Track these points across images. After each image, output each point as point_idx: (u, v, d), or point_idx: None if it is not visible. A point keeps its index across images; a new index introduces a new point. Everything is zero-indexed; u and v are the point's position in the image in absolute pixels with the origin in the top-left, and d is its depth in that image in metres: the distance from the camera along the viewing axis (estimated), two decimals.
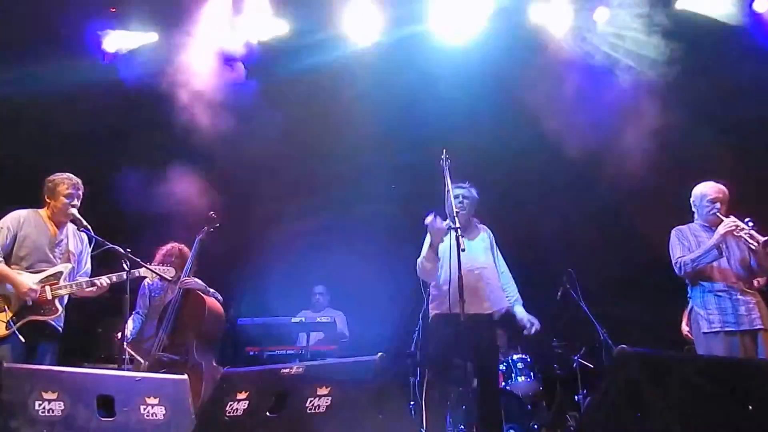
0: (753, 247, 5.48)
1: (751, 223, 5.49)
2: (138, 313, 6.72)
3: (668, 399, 3.03)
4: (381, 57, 8.41)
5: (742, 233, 5.48)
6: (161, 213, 7.44)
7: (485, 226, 6.12)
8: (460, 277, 5.05)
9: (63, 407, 3.88)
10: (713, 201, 5.71)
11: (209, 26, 8.06)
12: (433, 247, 5.60)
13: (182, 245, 6.83)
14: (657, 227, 7.62)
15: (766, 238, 5.39)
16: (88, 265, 5.82)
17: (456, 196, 5.80)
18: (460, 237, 5.15)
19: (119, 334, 6.22)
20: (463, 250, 5.11)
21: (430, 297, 5.88)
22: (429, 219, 5.51)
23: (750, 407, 2.89)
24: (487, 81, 8.36)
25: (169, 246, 6.79)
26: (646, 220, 8.15)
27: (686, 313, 6.93)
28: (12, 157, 7.88)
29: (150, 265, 5.93)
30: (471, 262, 5.58)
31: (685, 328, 7.07)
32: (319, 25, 8.28)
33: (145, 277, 6.03)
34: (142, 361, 6.35)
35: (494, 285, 5.81)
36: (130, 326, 6.53)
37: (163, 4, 8.23)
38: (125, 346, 5.89)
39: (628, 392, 3.12)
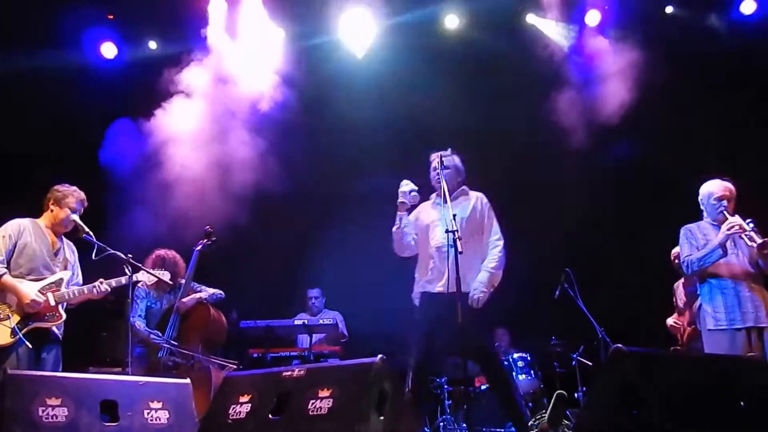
0: (752, 247, 5.49)
1: (752, 224, 5.49)
2: (140, 315, 6.72)
3: (663, 397, 3.07)
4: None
5: (743, 235, 5.47)
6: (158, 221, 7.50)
7: (477, 194, 6.06)
8: (458, 285, 5.15)
9: (67, 413, 3.89)
10: (720, 199, 5.70)
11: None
12: (399, 213, 5.82)
13: (173, 252, 6.79)
14: (655, 225, 7.71)
15: (762, 240, 5.40)
16: (80, 275, 5.85)
17: (434, 168, 5.93)
18: (458, 240, 5.19)
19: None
20: (461, 253, 5.17)
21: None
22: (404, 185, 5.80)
23: (742, 404, 2.93)
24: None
25: (161, 252, 6.71)
26: (645, 218, 8.22)
27: (684, 307, 7.02)
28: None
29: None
30: (443, 239, 5.61)
31: (669, 320, 7.15)
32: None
33: (138, 282, 6.01)
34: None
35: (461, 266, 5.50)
36: (142, 325, 6.60)
37: (161, 12, 8.29)
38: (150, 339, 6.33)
39: (624, 390, 3.16)
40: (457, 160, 6.05)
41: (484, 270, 5.71)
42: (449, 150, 6.03)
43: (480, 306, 5.63)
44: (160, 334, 6.48)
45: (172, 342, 6.39)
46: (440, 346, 5.74)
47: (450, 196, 5.70)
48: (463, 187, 6.07)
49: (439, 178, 5.80)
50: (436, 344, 5.69)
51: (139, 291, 6.72)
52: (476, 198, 6.00)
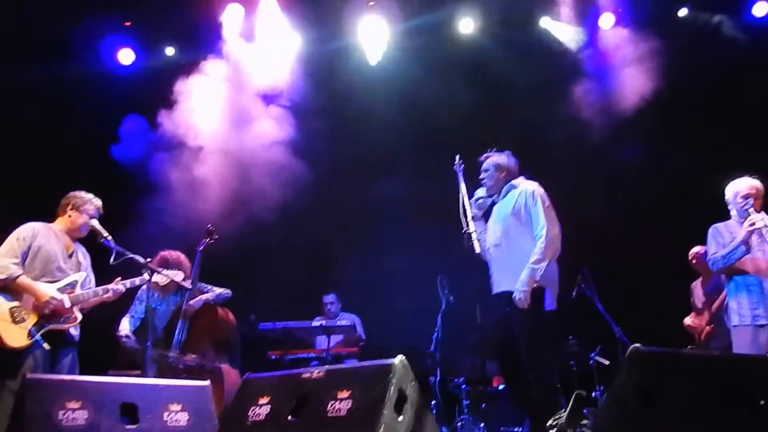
0: None
1: None
2: (133, 316, 6.71)
3: (681, 395, 3.07)
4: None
5: (764, 230, 5.39)
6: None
7: (528, 183, 5.78)
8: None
9: (87, 416, 3.90)
10: (746, 197, 5.62)
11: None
12: None
13: (177, 253, 6.70)
14: (673, 224, 7.68)
15: None
16: (93, 280, 5.86)
17: (480, 172, 5.87)
18: (476, 241, 5.20)
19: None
20: (477, 254, 5.18)
21: None
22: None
23: (762, 402, 2.91)
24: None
25: (165, 254, 6.61)
26: (663, 217, 8.19)
27: (702, 307, 7.00)
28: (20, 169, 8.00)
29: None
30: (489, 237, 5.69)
31: (687, 320, 7.13)
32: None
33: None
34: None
35: (502, 264, 5.56)
36: (126, 326, 6.60)
37: (177, 19, 8.35)
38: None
39: (642, 389, 3.15)
40: (496, 159, 5.85)
41: (526, 267, 5.33)
42: (489, 150, 5.94)
43: (525, 306, 5.30)
44: (133, 337, 6.52)
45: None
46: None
47: (500, 195, 5.81)
48: (512, 181, 5.81)
49: (485, 180, 5.86)
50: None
51: (141, 293, 6.68)
52: (522, 190, 5.69)
